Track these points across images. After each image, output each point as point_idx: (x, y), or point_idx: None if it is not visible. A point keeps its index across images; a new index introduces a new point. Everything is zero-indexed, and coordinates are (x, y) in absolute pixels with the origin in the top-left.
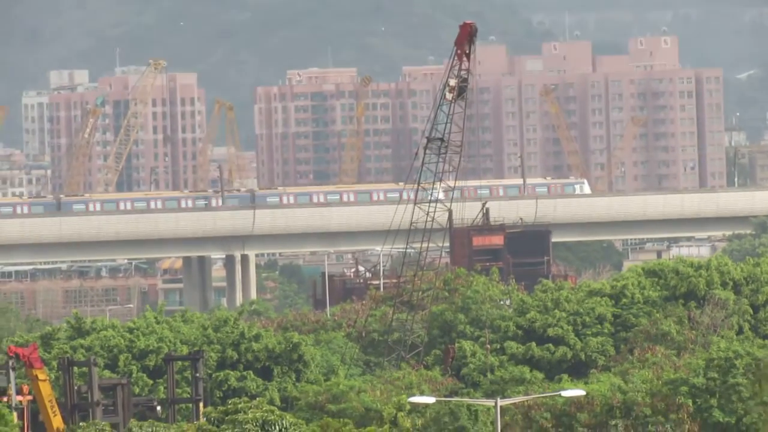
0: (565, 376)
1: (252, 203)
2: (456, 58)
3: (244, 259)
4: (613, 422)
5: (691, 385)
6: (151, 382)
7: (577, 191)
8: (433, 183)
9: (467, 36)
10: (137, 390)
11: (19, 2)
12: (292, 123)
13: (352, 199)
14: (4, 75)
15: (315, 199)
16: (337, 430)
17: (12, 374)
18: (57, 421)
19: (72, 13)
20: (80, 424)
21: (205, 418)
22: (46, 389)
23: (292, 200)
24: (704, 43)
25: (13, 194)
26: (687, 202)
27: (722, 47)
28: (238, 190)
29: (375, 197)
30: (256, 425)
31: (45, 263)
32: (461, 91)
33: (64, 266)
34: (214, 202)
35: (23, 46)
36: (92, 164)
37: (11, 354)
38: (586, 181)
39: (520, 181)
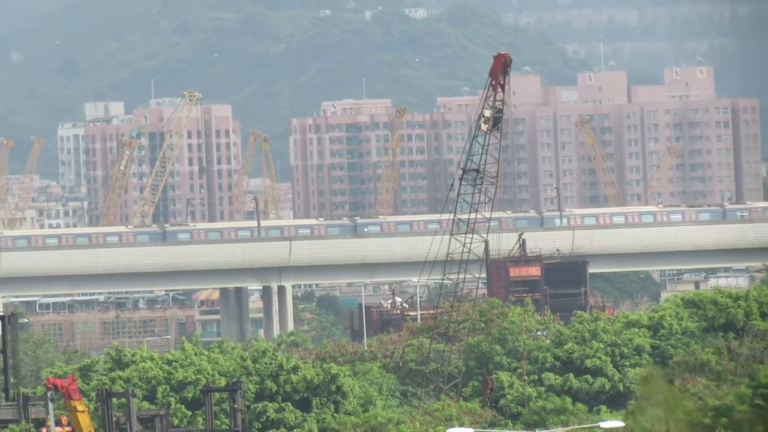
0: (603, 407)
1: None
2: (491, 88)
3: (281, 290)
4: None
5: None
6: (190, 413)
7: None
8: (469, 214)
9: (501, 66)
10: (176, 421)
11: (55, 34)
12: (327, 154)
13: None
14: (40, 107)
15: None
16: None
17: (51, 405)
18: None
19: (107, 45)
20: None
21: None
22: (84, 420)
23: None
24: (740, 73)
25: (50, 226)
26: (724, 233)
27: (758, 77)
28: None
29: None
30: None
31: (82, 295)
32: (496, 121)
33: (101, 298)
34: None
35: (59, 78)
36: (128, 196)
37: (50, 385)
38: None
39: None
